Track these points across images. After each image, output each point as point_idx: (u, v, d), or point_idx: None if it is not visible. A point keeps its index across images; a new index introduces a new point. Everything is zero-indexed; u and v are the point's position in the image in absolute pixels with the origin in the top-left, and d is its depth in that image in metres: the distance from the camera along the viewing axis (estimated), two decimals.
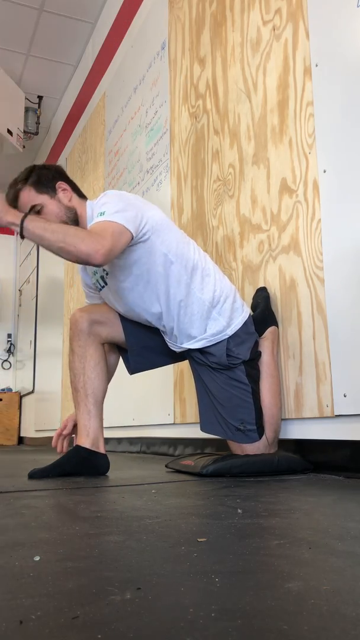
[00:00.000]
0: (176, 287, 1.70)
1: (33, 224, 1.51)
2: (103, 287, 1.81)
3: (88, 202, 1.78)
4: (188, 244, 1.75)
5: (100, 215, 1.58)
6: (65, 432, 1.81)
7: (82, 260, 1.50)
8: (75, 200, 1.76)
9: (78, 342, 1.75)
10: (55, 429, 4.88)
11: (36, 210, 1.71)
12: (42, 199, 1.72)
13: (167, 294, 1.70)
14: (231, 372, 1.72)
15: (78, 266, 1.91)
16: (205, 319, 1.71)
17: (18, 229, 1.50)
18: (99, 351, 1.76)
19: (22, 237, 1.51)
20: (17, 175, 1.77)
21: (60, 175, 1.77)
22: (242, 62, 2.18)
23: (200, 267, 1.73)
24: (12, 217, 1.52)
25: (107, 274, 1.75)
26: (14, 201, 1.72)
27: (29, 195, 1.71)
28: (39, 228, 1.50)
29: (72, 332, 1.77)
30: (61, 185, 1.75)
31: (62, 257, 1.52)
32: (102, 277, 1.79)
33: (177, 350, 1.81)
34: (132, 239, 1.61)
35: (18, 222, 1.50)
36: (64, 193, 1.74)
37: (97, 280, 1.82)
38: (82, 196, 1.80)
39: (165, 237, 1.69)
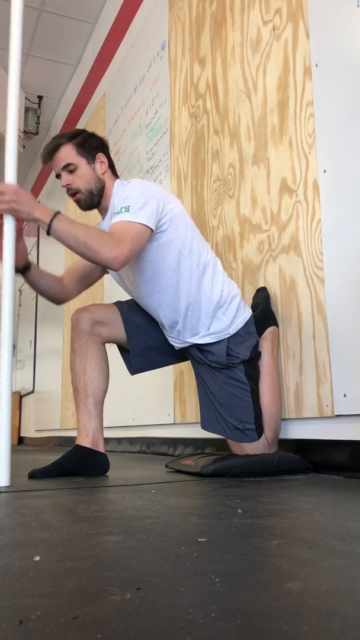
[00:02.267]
0: (187, 282, 1.71)
1: (60, 224, 1.52)
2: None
3: (117, 181, 1.80)
4: (204, 243, 1.78)
5: (123, 210, 1.59)
6: None
7: (102, 264, 1.56)
8: (108, 175, 1.78)
9: (79, 342, 1.75)
10: (55, 429, 4.90)
11: (69, 169, 1.73)
12: (80, 160, 1.74)
13: (177, 287, 1.71)
14: (230, 371, 1.72)
15: None
16: (211, 317, 1.72)
17: (45, 227, 1.51)
18: (99, 351, 1.76)
19: (48, 233, 1.53)
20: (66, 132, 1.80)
21: (103, 147, 1.80)
22: (242, 62, 2.18)
23: (211, 267, 1.75)
24: (40, 214, 1.52)
25: None
26: (52, 151, 1.74)
27: (69, 153, 1.73)
28: (64, 230, 1.52)
29: (73, 332, 1.77)
30: (101, 157, 1.77)
31: (83, 258, 1.57)
32: None
33: (177, 345, 1.80)
34: (152, 233, 1.63)
35: (47, 220, 1.51)
36: (100, 165, 1.77)
37: None
38: (115, 174, 1.82)
39: (182, 231, 1.70)
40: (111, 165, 1.82)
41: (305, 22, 1.81)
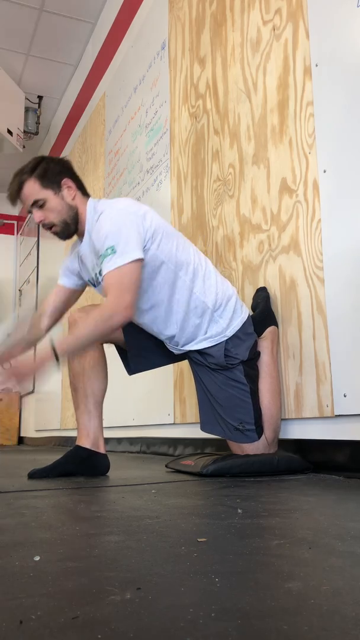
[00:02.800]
0: (178, 294, 1.69)
1: (64, 350, 1.50)
2: (97, 285, 1.79)
3: (90, 200, 1.76)
4: (188, 248, 1.74)
5: (110, 252, 1.55)
6: None
7: (121, 326, 1.56)
8: (78, 199, 1.74)
9: None
10: (55, 429, 4.90)
11: (39, 205, 1.69)
12: (46, 194, 1.69)
13: (169, 301, 1.69)
14: (230, 372, 1.72)
15: (68, 255, 1.91)
16: (208, 321, 1.71)
17: (57, 365, 1.49)
18: (97, 352, 1.76)
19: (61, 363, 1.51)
20: (25, 164, 1.74)
21: (67, 170, 1.74)
22: (242, 62, 2.18)
23: (201, 271, 1.73)
24: (42, 363, 1.47)
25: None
26: (17, 191, 1.70)
27: (33, 188, 1.69)
28: (71, 348, 1.53)
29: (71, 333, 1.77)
30: (67, 182, 1.72)
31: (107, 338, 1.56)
32: (95, 278, 1.76)
33: (177, 352, 1.81)
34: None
35: (52, 358, 1.47)
36: (68, 190, 1.71)
37: (90, 279, 1.79)
38: (85, 194, 1.77)
39: (163, 245, 1.66)
40: (80, 186, 1.76)
41: (305, 22, 1.81)
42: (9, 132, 4.49)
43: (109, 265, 1.55)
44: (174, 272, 1.68)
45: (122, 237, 1.56)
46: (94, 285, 1.81)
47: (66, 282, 1.88)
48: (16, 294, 7.21)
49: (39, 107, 5.24)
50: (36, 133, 5.31)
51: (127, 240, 1.56)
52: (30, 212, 1.73)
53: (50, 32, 4.30)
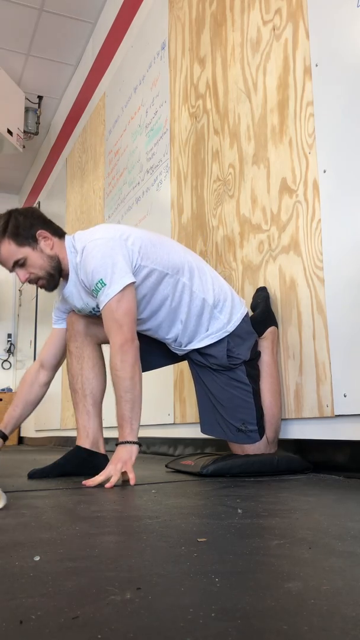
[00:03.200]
0: (179, 297, 1.69)
1: (136, 427, 1.58)
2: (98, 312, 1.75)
3: (67, 240, 1.70)
4: (178, 250, 1.73)
5: (100, 287, 1.54)
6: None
7: (137, 353, 1.55)
8: (57, 246, 1.68)
9: (75, 343, 1.75)
10: (55, 429, 4.90)
11: (19, 264, 1.65)
12: (24, 251, 1.64)
13: (171, 306, 1.69)
14: (232, 372, 1.72)
15: (56, 299, 1.89)
16: (209, 319, 1.71)
17: (139, 448, 1.54)
18: (96, 352, 1.76)
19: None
20: None
21: (38, 220, 1.69)
22: (242, 62, 2.18)
23: (195, 269, 1.72)
24: (131, 454, 1.51)
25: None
26: None
27: (10, 250, 1.63)
28: (135, 419, 1.59)
29: (69, 333, 1.77)
30: (42, 233, 1.66)
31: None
32: (92, 312, 1.74)
33: (180, 353, 1.81)
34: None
35: (136, 448, 1.53)
36: (45, 242, 1.66)
37: (90, 311, 1.76)
38: (61, 235, 1.71)
39: (152, 255, 1.64)
40: (54, 231, 1.69)
41: (305, 22, 1.81)
42: (9, 132, 4.49)
43: (103, 299, 1.54)
44: (173, 277, 1.67)
45: (108, 268, 1.54)
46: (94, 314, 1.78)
47: (61, 324, 1.87)
48: (16, 294, 7.21)
49: (39, 107, 5.24)
50: (36, 133, 5.31)
51: (113, 270, 1.54)
52: (12, 271, 1.69)
53: (50, 32, 4.30)
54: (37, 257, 1.65)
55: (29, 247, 1.65)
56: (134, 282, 1.56)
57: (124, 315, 1.53)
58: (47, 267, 1.67)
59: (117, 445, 1.52)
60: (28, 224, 1.66)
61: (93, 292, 1.58)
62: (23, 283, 1.72)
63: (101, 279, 1.54)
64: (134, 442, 1.50)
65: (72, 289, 1.70)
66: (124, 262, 1.56)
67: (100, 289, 1.54)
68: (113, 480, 1.38)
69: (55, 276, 1.69)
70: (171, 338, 1.75)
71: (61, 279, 1.73)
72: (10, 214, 1.68)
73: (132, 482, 1.42)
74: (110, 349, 1.54)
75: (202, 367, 1.77)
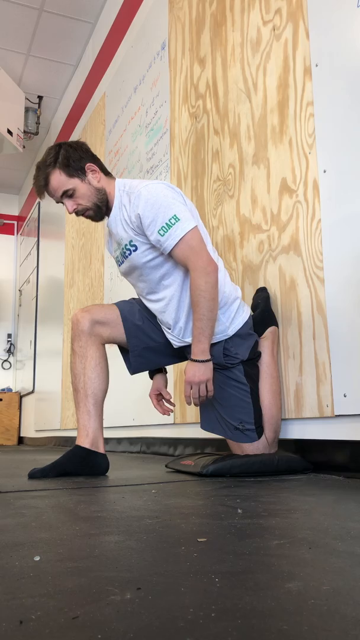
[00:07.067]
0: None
1: (208, 340, 1.63)
2: (122, 262, 1.81)
3: (117, 181, 1.77)
4: (209, 241, 1.77)
5: (174, 221, 1.61)
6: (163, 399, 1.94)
7: (217, 278, 1.63)
8: (104, 180, 1.75)
9: (79, 343, 1.75)
10: (56, 429, 4.90)
11: (68, 195, 1.71)
12: (74, 182, 1.71)
13: (184, 284, 1.71)
14: (229, 372, 1.72)
15: (105, 235, 1.94)
16: None
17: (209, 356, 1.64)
18: (99, 352, 1.76)
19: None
20: (44, 155, 1.75)
21: (87, 154, 1.75)
22: (242, 62, 2.18)
23: (222, 268, 1.76)
24: (207, 368, 1.63)
25: (135, 248, 1.73)
26: (44, 185, 1.72)
27: (60, 180, 1.70)
28: (207, 331, 1.62)
29: (74, 333, 1.77)
30: (90, 166, 1.73)
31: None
32: (122, 253, 1.79)
33: (177, 343, 1.78)
34: None
35: (208, 359, 1.64)
36: (93, 175, 1.73)
37: (118, 256, 1.83)
38: (108, 174, 1.79)
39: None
40: (102, 167, 1.77)
41: (305, 22, 1.81)
42: (9, 132, 4.49)
43: (179, 233, 1.61)
44: None
45: (180, 206, 1.63)
46: (119, 264, 1.85)
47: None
48: (16, 294, 7.21)
49: (39, 107, 5.24)
50: (36, 133, 5.32)
51: (184, 210, 1.63)
52: (60, 202, 1.75)
53: (50, 32, 4.30)
54: (85, 189, 1.72)
55: (78, 179, 1.71)
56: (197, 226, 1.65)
57: (201, 242, 1.62)
58: (94, 198, 1.73)
59: (192, 360, 1.63)
60: (78, 156, 1.72)
61: (162, 228, 1.62)
62: (70, 213, 1.77)
63: (175, 215, 1.61)
64: (207, 360, 1.63)
65: (115, 221, 1.76)
66: (185, 208, 1.65)
67: (174, 224, 1.61)
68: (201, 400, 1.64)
69: (102, 208, 1.76)
70: (170, 323, 1.75)
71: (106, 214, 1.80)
72: (60, 145, 1.74)
73: (210, 394, 1.64)
74: (191, 273, 1.62)
75: None
